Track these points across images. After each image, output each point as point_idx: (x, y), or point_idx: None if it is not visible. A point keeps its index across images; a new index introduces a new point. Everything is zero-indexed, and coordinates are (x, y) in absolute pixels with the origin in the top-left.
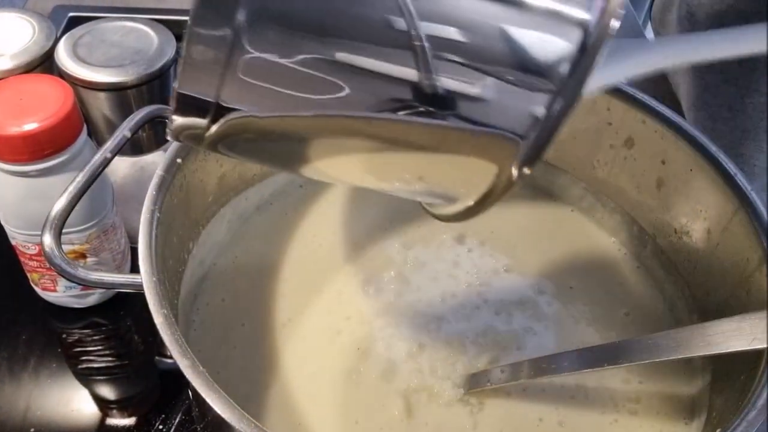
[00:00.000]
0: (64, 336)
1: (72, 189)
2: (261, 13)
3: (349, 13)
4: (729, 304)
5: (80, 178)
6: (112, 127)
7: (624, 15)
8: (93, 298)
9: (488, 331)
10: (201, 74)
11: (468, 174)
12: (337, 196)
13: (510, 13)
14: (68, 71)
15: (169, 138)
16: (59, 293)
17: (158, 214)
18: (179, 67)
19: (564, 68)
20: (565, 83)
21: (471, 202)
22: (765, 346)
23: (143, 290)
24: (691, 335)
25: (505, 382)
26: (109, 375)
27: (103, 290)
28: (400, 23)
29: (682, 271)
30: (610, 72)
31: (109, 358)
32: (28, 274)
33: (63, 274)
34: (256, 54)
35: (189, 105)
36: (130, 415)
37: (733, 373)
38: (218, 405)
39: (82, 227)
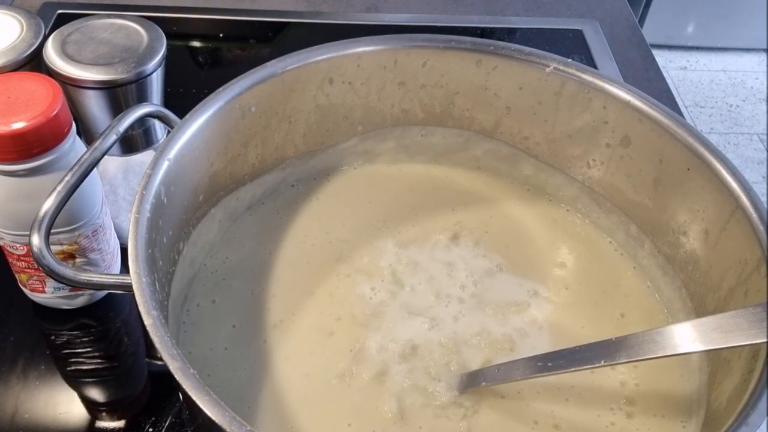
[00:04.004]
0: (52, 337)
1: (61, 188)
2: None
3: None
4: (727, 305)
5: (69, 177)
6: (102, 126)
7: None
8: (82, 299)
9: (482, 332)
10: None
11: None
12: (330, 195)
13: None
14: (57, 69)
15: None
16: (48, 294)
17: (148, 214)
18: None
19: None
20: None
21: None
22: (764, 340)
23: (133, 291)
24: (688, 331)
25: (500, 380)
26: (99, 377)
27: (93, 291)
28: None
29: (680, 272)
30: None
31: (99, 360)
32: (16, 275)
33: (51, 274)
34: None
35: None
36: (119, 418)
37: (730, 374)
38: (209, 407)
39: (71, 227)
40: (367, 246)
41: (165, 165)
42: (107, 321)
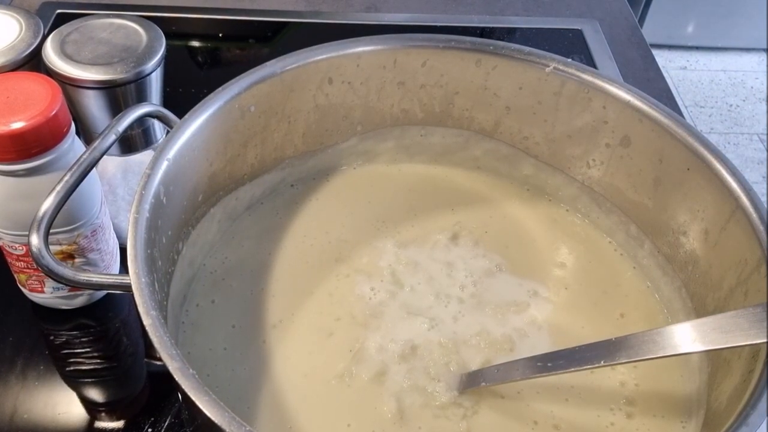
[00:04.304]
0: (51, 338)
1: (60, 188)
2: None
3: None
4: (727, 305)
5: (68, 177)
6: (101, 126)
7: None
8: (81, 299)
9: (482, 332)
10: None
11: None
12: (329, 195)
13: None
14: (56, 69)
15: None
16: (47, 294)
17: (147, 214)
18: None
19: None
20: None
21: None
22: (764, 340)
23: (132, 291)
24: (688, 331)
25: (500, 381)
26: (98, 377)
27: (92, 291)
28: None
29: (680, 272)
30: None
31: (98, 360)
32: (15, 275)
33: (50, 274)
34: None
35: None
36: (118, 418)
37: (730, 374)
38: (208, 408)
39: (70, 227)
40: (366, 246)
41: (164, 165)
42: (106, 321)
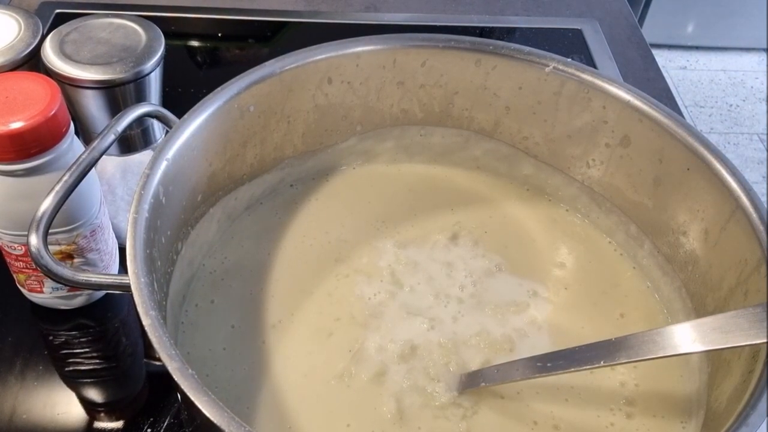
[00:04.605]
0: (50, 338)
1: (59, 188)
2: None
3: None
4: (727, 305)
5: (67, 177)
6: (100, 126)
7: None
8: (80, 299)
9: (481, 332)
10: None
11: None
12: (329, 195)
13: None
14: (55, 69)
15: None
16: (46, 294)
17: (146, 214)
18: None
19: None
20: None
21: None
22: (764, 340)
23: (131, 291)
24: (688, 332)
25: (499, 381)
26: (97, 377)
27: (91, 291)
28: None
29: (679, 272)
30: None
31: (97, 361)
32: (15, 275)
33: (49, 275)
34: None
35: None
36: (117, 419)
37: (730, 374)
38: (207, 408)
39: (69, 227)
40: (366, 246)
41: (163, 165)
42: (105, 321)
